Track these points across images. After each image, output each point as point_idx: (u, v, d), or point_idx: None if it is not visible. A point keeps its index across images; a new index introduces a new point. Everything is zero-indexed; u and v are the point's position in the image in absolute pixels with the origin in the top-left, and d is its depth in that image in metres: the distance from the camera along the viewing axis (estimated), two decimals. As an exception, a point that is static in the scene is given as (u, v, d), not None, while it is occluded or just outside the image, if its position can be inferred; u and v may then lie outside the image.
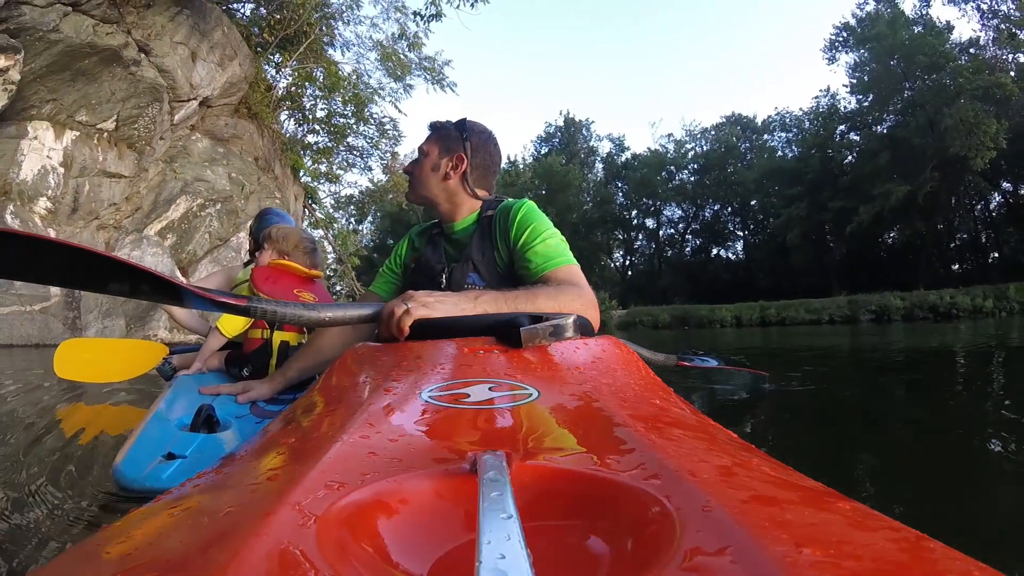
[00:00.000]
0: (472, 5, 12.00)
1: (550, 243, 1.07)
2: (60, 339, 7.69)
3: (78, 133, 8.03)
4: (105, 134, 8.35)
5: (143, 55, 8.39)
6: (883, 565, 0.23)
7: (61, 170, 7.86)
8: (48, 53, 7.20)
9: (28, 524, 0.96)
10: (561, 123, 39.13)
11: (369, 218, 32.60)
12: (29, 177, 7.52)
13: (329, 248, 16.23)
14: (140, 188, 9.18)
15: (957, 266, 28.84)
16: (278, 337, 1.67)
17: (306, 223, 14.52)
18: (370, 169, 17.99)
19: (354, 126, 15.92)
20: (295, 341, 1.69)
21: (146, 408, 2.38)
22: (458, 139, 1.20)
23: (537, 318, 0.68)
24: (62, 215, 8.01)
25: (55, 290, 7.86)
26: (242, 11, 11.57)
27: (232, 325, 1.67)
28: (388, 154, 16.94)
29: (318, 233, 15.77)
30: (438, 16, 12.32)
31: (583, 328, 0.72)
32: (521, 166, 36.12)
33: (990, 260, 27.52)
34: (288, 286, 1.66)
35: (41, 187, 7.68)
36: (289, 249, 1.76)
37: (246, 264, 2.28)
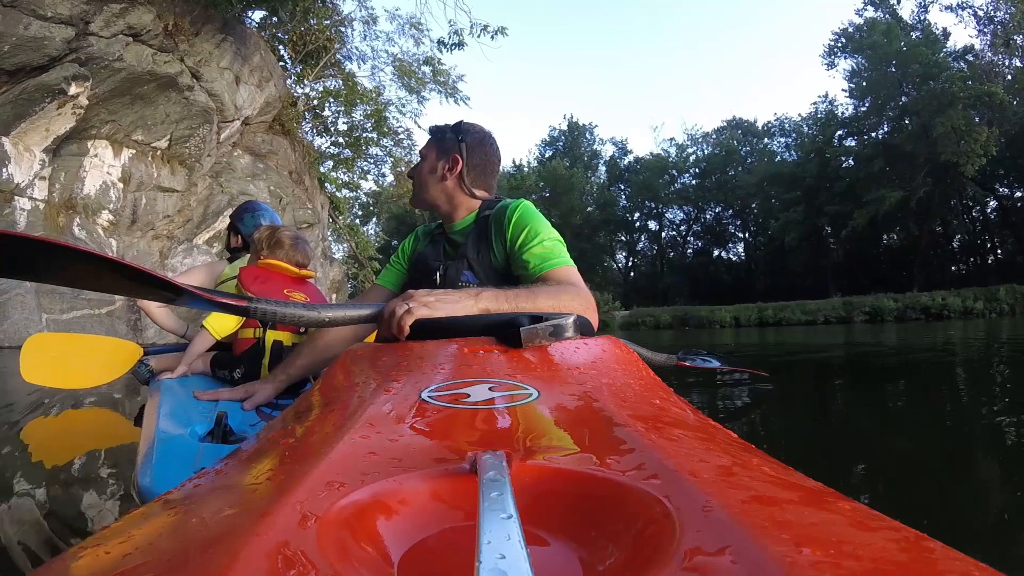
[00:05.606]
0: (492, 37, 12.00)
1: (547, 244, 1.03)
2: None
3: (134, 151, 8.25)
4: (159, 152, 8.58)
5: (195, 81, 8.61)
6: (883, 565, 0.22)
7: (120, 185, 8.09)
8: (112, 80, 7.42)
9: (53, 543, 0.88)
10: (565, 127, 38.03)
11: (374, 220, 32.37)
12: (92, 192, 7.75)
13: (348, 251, 16.37)
14: (191, 201, 9.41)
15: (956, 268, 27.93)
16: (271, 336, 1.50)
17: (330, 231, 14.63)
18: (384, 176, 17.82)
19: (374, 138, 15.81)
20: (289, 341, 1.52)
21: (113, 410, 2.21)
22: (454, 141, 1.16)
23: (537, 318, 0.65)
24: (122, 227, 8.24)
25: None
26: (250, 20, 11.15)
27: (222, 325, 1.51)
28: (401, 161, 16.75)
29: (333, 237, 15.86)
30: (460, 45, 12.30)
31: (583, 328, 0.68)
32: (526, 170, 35.31)
33: (989, 262, 26.58)
34: (278, 286, 1.53)
35: (103, 201, 7.90)
36: (278, 248, 1.60)
37: (230, 260, 2.14)
